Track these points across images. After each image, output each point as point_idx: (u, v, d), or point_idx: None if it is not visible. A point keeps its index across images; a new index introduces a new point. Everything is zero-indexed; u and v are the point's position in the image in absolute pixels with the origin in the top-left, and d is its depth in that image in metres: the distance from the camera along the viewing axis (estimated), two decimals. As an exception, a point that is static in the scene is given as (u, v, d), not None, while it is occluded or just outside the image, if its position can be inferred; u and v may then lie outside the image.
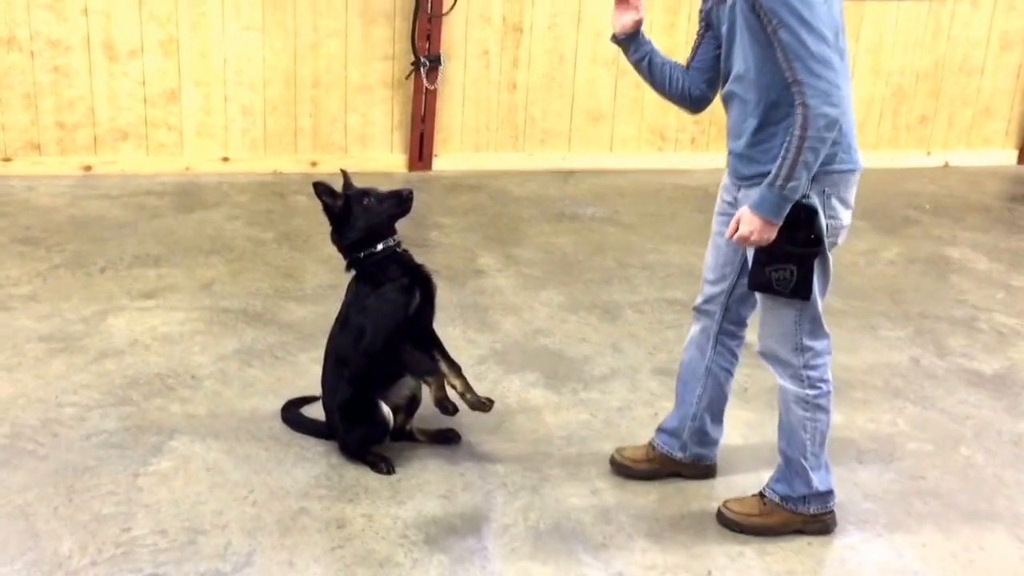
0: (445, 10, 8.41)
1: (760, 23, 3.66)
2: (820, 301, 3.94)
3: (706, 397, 4.40)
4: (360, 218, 4.48)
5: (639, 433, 4.83)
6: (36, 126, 7.97)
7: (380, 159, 8.71)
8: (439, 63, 8.50)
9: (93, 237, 6.88)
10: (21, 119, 7.93)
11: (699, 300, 4.35)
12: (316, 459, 4.54)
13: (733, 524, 4.21)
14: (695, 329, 4.39)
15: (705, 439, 4.49)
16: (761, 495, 4.23)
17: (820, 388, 4.02)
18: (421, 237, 7.26)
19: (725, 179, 4.12)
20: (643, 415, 5.05)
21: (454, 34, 8.58)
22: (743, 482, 4.50)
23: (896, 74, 9.76)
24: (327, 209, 4.52)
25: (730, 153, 4.02)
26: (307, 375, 5.18)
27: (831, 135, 3.59)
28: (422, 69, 8.46)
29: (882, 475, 4.70)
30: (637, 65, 4.30)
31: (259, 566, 3.86)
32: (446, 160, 8.85)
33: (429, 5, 8.36)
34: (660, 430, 4.55)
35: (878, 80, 9.72)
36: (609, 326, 6.04)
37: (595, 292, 6.50)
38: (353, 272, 4.56)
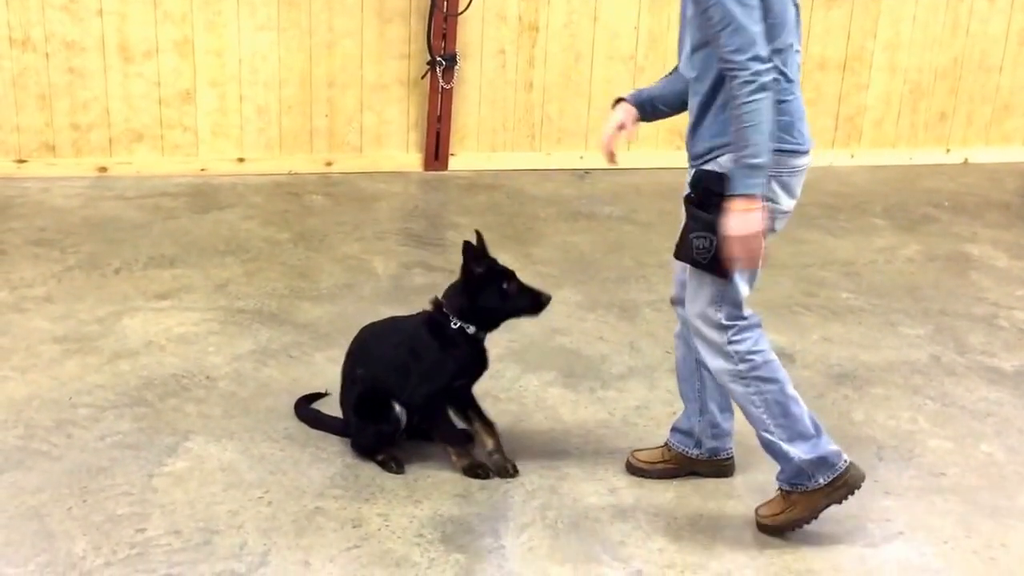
0: (461, 9, 8.38)
1: None
2: (742, 286, 3.91)
3: (705, 389, 4.34)
4: (493, 299, 4.38)
5: (657, 432, 4.79)
6: (51, 127, 7.97)
7: (396, 158, 8.69)
8: (455, 62, 8.48)
9: (108, 238, 6.87)
10: (36, 120, 7.92)
11: (673, 291, 4.31)
12: (332, 459, 4.51)
13: (770, 529, 4.14)
14: (679, 324, 4.34)
15: (718, 431, 4.43)
16: (780, 489, 4.16)
17: (752, 360, 3.95)
18: (438, 237, 7.25)
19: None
20: (661, 414, 5.01)
21: (470, 33, 8.56)
22: (762, 479, 4.44)
23: (914, 71, 9.70)
24: (467, 271, 4.40)
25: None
26: (323, 375, 5.16)
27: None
28: (438, 68, 8.43)
29: (902, 472, 4.65)
30: (654, 116, 4.32)
31: (274, 566, 3.83)
32: (462, 159, 8.82)
33: (445, 4, 8.33)
34: (674, 429, 4.51)
35: (895, 77, 9.67)
36: (627, 325, 6.00)
37: (612, 291, 6.47)
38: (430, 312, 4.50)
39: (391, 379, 4.46)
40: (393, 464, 4.44)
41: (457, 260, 6.66)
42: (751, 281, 3.96)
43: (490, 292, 4.37)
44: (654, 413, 5.03)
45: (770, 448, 4.06)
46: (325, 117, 8.48)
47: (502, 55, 8.74)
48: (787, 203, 3.89)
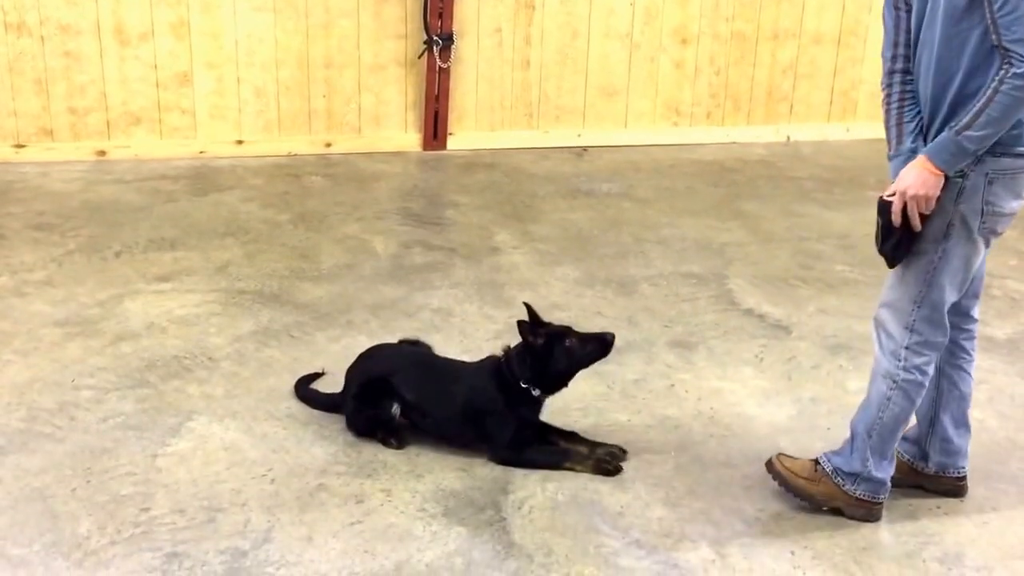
0: (456, -12, 8.39)
1: None
2: (948, 292, 3.82)
3: (942, 399, 4.16)
4: (561, 360, 4.39)
5: (655, 404, 4.84)
6: (48, 112, 7.98)
7: (394, 139, 8.70)
8: (452, 41, 8.48)
9: (108, 222, 6.89)
10: (33, 105, 7.94)
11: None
12: (334, 437, 4.55)
13: (778, 477, 4.17)
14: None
15: (949, 446, 4.22)
16: (816, 461, 4.16)
17: (914, 375, 3.89)
18: (437, 216, 7.27)
19: None
20: (659, 387, 5.05)
21: (466, 12, 8.56)
22: (761, 448, 4.48)
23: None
24: (528, 345, 4.40)
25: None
26: (324, 354, 5.19)
27: None
28: (435, 48, 8.43)
29: (900, 441, 4.69)
30: None
31: (278, 542, 3.87)
32: (461, 139, 8.83)
33: (440, -17, 8.34)
34: (903, 438, 4.21)
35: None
36: (625, 300, 6.03)
37: (610, 267, 6.49)
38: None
39: (442, 420, 4.51)
40: (393, 441, 4.48)
41: (457, 238, 6.78)
42: (960, 287, 3.86)
43: (557, 356, 4.39)
44: (652, 386, 5.06)
45: (856, 442, 4.05)
46: (323, 98, 8.49)
47: (499, 33, 8.74)
48: (1010, 205, 3.75)
